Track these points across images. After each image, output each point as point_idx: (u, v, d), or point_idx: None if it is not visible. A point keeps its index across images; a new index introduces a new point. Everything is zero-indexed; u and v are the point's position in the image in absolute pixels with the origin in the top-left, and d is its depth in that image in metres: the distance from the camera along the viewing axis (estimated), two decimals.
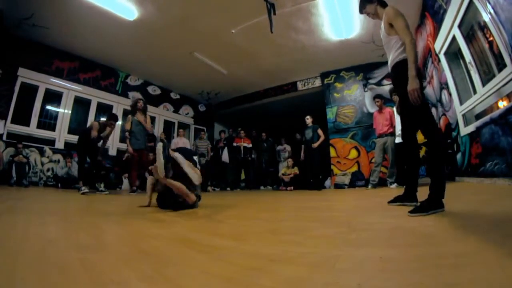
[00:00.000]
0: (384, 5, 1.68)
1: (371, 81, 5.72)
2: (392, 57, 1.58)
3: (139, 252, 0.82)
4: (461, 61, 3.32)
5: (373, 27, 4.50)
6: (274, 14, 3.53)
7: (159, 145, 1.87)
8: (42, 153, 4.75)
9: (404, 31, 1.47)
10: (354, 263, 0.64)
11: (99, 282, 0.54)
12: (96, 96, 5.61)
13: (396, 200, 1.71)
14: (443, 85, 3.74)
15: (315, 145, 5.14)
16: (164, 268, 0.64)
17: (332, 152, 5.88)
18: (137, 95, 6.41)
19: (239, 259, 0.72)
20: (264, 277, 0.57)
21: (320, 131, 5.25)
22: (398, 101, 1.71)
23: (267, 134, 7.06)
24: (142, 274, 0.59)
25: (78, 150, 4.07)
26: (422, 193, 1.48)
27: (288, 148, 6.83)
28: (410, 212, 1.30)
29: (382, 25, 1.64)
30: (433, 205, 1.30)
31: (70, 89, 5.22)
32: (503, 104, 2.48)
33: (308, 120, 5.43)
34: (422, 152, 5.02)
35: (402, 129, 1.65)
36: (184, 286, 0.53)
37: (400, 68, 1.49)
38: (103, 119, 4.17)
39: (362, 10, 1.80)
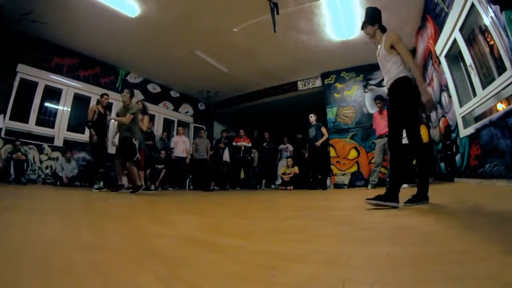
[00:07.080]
0: (383, 30, 1.88)
1: (371, 82, 5.74)
2: (393, 73, 1.77)
3: (146, 252, 0.78)
4: (462, 64, 3.34)
5: None
6: (278, 13, 3.53)
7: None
8: (40, 150, 4.72)
9: (408, 54, 1.73)
10: (365, 260, 0.66)
11: (110, 284, 0.51)
12: (95, 93, 5.54)
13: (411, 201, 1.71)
14: (443, 87, 3.76)
15: (318, 143, 5.16)
16: (176, 268, 0.62)
17: (332, 152, 5.90)
18: (137, 93, 6.38)
19: (250, 257, 0.72)
20: (281, 275, 0.57)
21: (323, 129, 5.28)
22: (389, 107, 1.85)
23: (269, 135, 7.05)
24: (155, 275, 0.57)
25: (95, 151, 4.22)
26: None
27: (290, 148, 6.85)
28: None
29: (382, 45, 1.83)
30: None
31: (70, 86, 5.19)
32: (502, 107, 2.51)
33: (312, 118, 5.43)
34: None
35: (391, 133, 1.79)
36: (201, 286, 0.51)
37: (401, 82, 1.74)
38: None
39: (363, 28, 1.97)
